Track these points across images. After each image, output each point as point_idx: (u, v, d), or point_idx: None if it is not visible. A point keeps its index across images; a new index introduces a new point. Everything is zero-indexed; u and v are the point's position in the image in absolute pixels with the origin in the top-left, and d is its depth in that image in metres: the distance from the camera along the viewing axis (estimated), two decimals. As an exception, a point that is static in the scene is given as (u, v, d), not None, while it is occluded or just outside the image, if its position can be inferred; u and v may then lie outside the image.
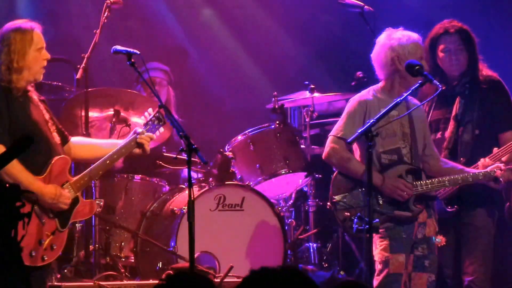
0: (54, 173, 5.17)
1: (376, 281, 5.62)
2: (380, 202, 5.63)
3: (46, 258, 5.16)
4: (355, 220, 5.59)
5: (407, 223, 5.65)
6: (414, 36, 5.79)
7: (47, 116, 5.33)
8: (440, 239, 5.73)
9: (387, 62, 5.74)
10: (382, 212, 5.60)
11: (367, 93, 5.80)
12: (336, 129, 5.74)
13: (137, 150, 5.43)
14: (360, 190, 5.64)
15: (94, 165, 5.36)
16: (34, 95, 5.36)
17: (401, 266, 5.60)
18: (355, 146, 5.77)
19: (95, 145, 5.53)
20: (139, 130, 5.44)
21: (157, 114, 5.51)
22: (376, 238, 5.63)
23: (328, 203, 5.74)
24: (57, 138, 5.31)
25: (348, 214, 5.63)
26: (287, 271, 2.86)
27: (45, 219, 5.14)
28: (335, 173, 5.77)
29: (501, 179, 5.77)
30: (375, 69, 5.84)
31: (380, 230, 5.54)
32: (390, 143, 5.70)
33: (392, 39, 5.76)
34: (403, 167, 5.68)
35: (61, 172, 5.21)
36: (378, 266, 5.64)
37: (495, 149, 5.90)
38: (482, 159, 5.86)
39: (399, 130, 5.73)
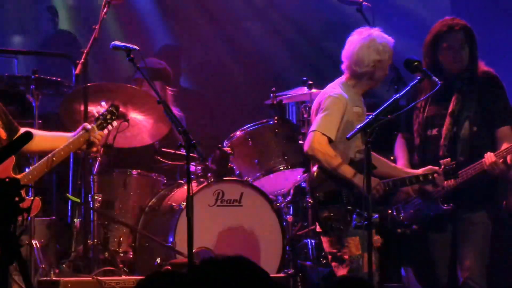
0: None
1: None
2: (353, 202, 5.64)
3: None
4: (354, 216, 5.62)
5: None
6: (392, 41, 5.81)
7: None
8: (376, 239, 5.75)
9: (368, 62, 5.72)
10: (354, 211, 5.62)
11: (340, 90, 5.76)
12: (320, 125, 5.66)
13: (84, 147, 5.31)
14: (337, 189, 5.65)
15: (38, 163, 5.23)
16: None
17: (371, 264, 5.57)
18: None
19: (43, 136, 5.35)
20: (89, 126, 5.31)
21: (110, 108, 5.43)
22: (341, 235, 5.64)
23: (309, 199, 5.71)
24: (2, 134, 5.20)
25: (332, 214, 5.64)
26: (234, 259, 2.89)
27: None
28: (316, 169, 5.71)
29: (438, 182, 5.80)
30: (344, 61, 5.79)
31: (350, 229, 5.60)
32: (362, 143, 5.71)
33: (377, 41, 5.74)
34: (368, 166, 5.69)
35: (3, 170, 5.04)
36: (347, 265, 5.65)
37: (505, 145, 5.89)
38: (488, 153, 5.87)
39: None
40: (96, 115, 5.44)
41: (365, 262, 5.57)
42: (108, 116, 5.43)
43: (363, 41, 5.75)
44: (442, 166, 5.82)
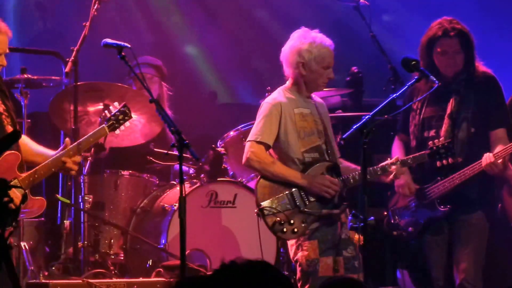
0: (2, 169, 4.97)
1: (299, 284, 5.66)
2: (307, 202, 5.64)
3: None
4: (350, 218, 5.59)
5: (332, 224, 5.66)
6: (327, 42, 5.73)
7: (1, 108, 5.13)
8: (357, 237, 5.71)
9: (293, 64, 5.71)
10: (310, 212, 5.61)
11: (279, 95, 5.77)
12: (255, 134, 5.67)
13: (62, 170, 5.21)
14: (286, 192, 5.63)
15: (43, 163, 5.14)
16: None
17: (329, 269, 5.60)
18: (271, 152, 5.73)
19: (29, 148, 5.25)
20: (69, 145, 5.19)
21: (123, 109, 5.38)
22: (299, 240, 5.64)
23: (256, 210, 5.68)
24: (10, 131, 5.10)
25: (278, 219, 5.60)
26: (257, 264, 2.88)
27: None
28: (258, 179, 5.71)
29: (394, 172, 5.75)
30: (282, 64, 5.80)
31: (307, 232, 5.59)
32: (310, 142, 5.71)
33: (303, 42, 5.71)
34: (324, 164, 5.70)
35: (9, 168, 5.00)
36: (303, 270, 5.64)
37: (500, 146, 5.90)
38: (487, 153, 5.82)
39: (315, 128, 5.74)
40: (108, 115, 5.37)
41: (322, 266, 5.58)
42: (120, 117, 5.37)
43: (292, 42, 5.75)
44: (430, 147, 5.79)
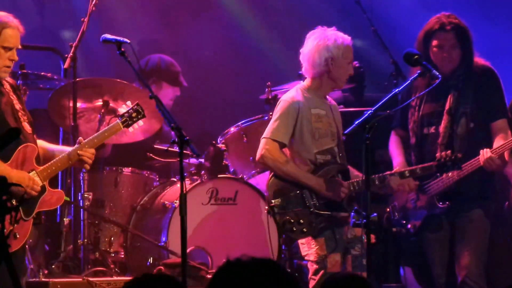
0: (20, 161, 5.06)
1: (312, 281, 5.69)
2: (317, 204, 5.68)
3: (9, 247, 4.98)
4: (352, 214, 5.58)
5: (340, 225, 5.71)
6: (348, 39, 5.80)
7: (18, 106, 5.20)
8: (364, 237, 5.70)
9: (320, 62, 5.73)
10: (319, 214, 5.65)
11: (296, 94, 5.80)
12: (270, 131, 5.72)
13: (77, 163, 5.28)
14: (297, 192, 5.68)
15: (60, 156, 5.22)
16: (7, 85, 5.22)
17: (338, 265, 5.66)
18: (285, 150, 5.76)
19: (45, 148, 5.33)
20: (81, 140, 5.30)
21: (136, 107, 5.47)
22: (308, 238, 5.69)
23: (266, 207, 5.73)
24: (28, 128, 5.19)
25: (288, 217, 5.65)
26: (262, 262, 2.88)
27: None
28: (270, 176, 5.76)
29: (392, 185, 5.80)
30: (303, 65, 5.81)
31: (315, 231, 5.63)
32: (324, 143, 5.76)
33: (327, 39, 5.74)
34: (335, 167, 5.76)
35: (27, 160, 5.09)
36: (313, 266, 5.69)
37: (500, 139, 5.87)
38: (484, 149, 5.78)
39: (329, 130, 5.79)
40: (120, 112, 5.51)
41: (330, 262, 5.63)
42: (134, 115, 5.48)
43: (315, 41, 5.77)
44: (437, 158, 5.78)
